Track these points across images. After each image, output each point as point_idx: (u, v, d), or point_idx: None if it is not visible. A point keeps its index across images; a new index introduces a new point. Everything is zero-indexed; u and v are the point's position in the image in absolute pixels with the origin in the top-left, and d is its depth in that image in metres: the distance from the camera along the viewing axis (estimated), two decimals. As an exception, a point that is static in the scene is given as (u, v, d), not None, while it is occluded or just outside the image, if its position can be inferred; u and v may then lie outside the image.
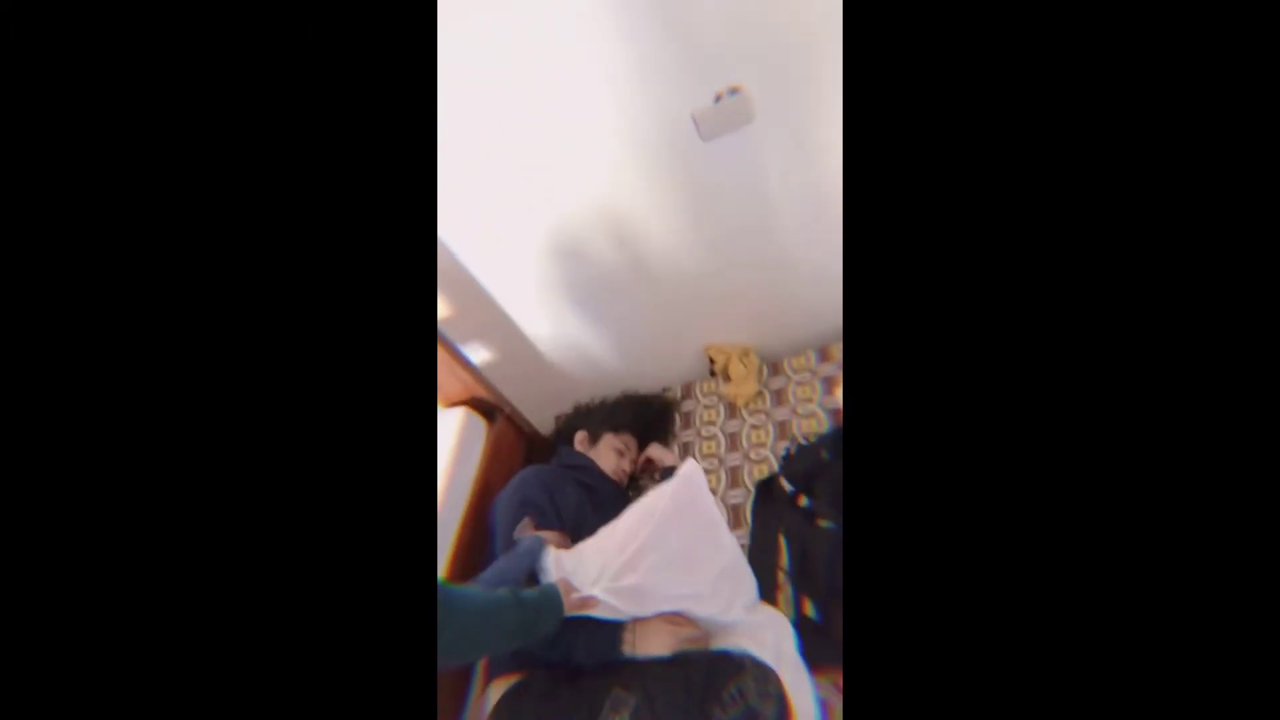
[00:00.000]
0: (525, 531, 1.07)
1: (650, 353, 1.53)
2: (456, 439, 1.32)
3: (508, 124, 1.09)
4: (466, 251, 1.31)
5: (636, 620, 0.96)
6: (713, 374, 1.49)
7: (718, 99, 1.06)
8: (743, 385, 1.40)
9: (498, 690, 1.06)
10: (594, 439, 1.36)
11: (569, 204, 1.22)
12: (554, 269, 1.34)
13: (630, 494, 1.34)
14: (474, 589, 0.79)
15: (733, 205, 1.21)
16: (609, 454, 1.32)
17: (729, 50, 1.01)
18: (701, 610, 0.97)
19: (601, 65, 1.02)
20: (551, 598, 0.86)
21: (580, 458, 1.32)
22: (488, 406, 1.44)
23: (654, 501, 0.97)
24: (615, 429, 1.36)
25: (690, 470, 0.97)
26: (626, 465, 1.34)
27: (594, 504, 1.19)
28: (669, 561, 0.93)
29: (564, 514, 1.12)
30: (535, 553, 0.98)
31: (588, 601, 0.91)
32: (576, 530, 1.10)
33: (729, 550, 0.99)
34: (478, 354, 1.50)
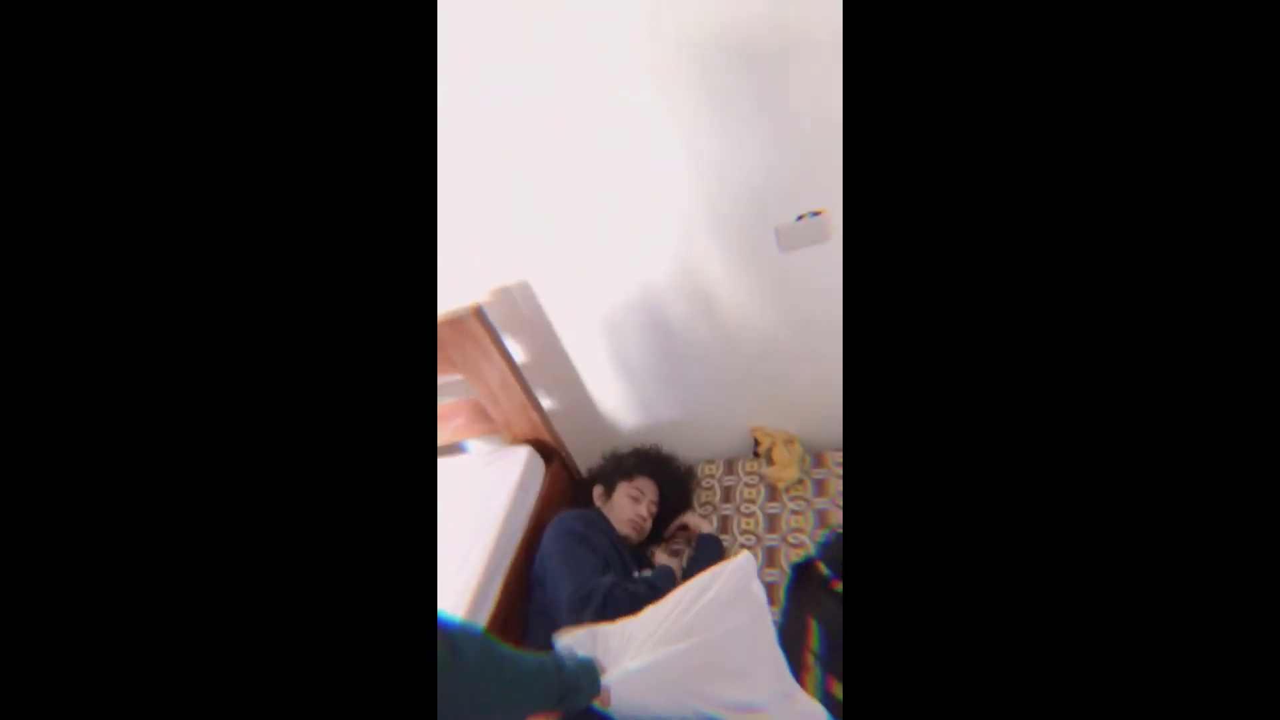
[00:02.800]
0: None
1: (698, 425, 1.64)
2: (520, 473, 1.42)
3: (607, 191, 1.25)
4: (551, 305, 1.46)
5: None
6: (756, 455, 1.59)
7: (800, 218, 1.22)
8: (785, 470, 1.50)
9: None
10: (609, 491, 1.43)
11: (645, 274, 1.37)
12: (621, 334, 1.49)
13: (647, 552, 1.41)
14: (519, 652, 0.78)
15: (798, 299, 1.34)
16: (625, 502, 1.39)
17: (818, 174, 1.15)
18: (738, 695, 0.97)
19: (697, 150, 1.16)
20: (591, 674, 0.87)
21: (597, 514, 1.39)
22: (548, 449, 1.55)
23: (704, 584, 1.03)
24: (628, 475, 1.43)
25: (745, 561, 1.04)
26: (644, 510, 1.39)
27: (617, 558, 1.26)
28: (708, 650, 0.96)
29: (596, 551, 1.21)
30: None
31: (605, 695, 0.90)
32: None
33: (769, 639, 1.03)
34: (545, 400, 1.63)
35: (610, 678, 0.92)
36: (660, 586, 1.15)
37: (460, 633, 0.70)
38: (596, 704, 0.89)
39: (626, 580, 1.17)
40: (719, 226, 1.26)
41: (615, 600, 1.10)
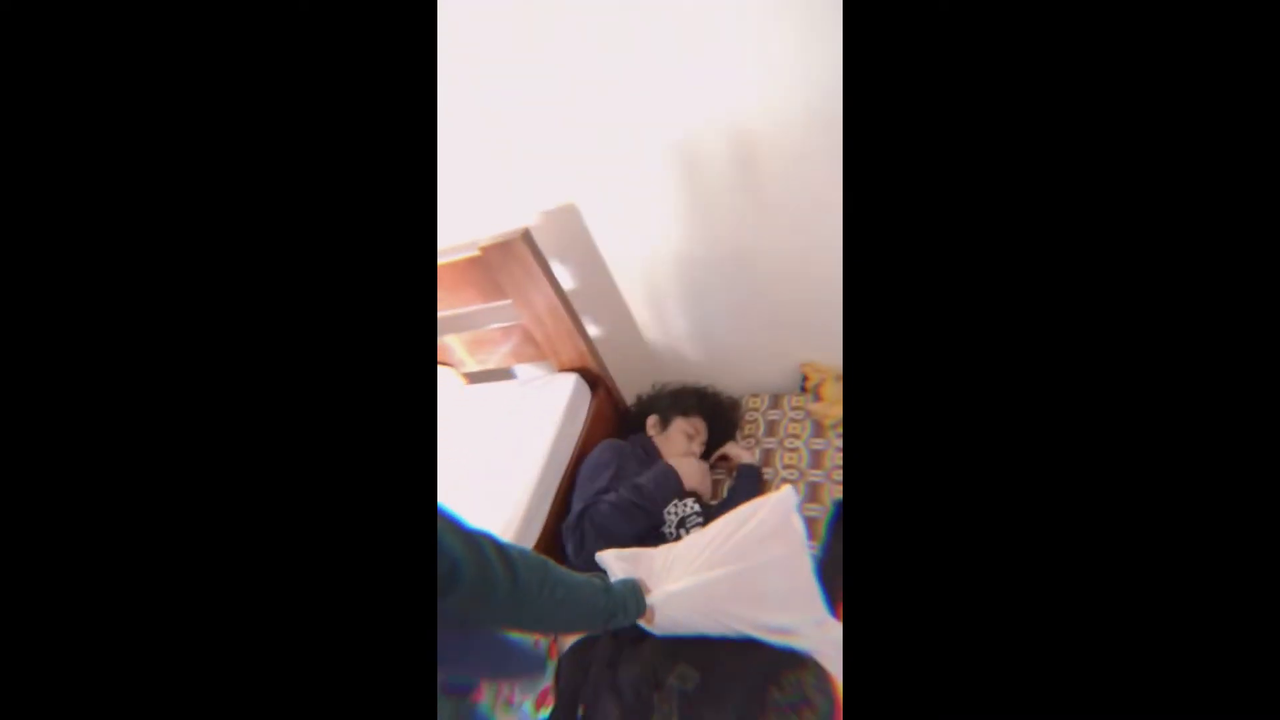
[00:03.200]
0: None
1: (745, 357, 1.62)
2: (567, 400, 1.44)
3: (660, 121, 1.19)
4: (601, 231, 1.42)
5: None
6: (803, 390, 1.57)
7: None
8: (833, 406, 1.47)
9: (564, 640, 1.17)
10: (664, 423, 1.45)
11: (696, 203, 1.31)
12: (676, 266, 1.45)
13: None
14: (571, 573, 0.81)
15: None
16: (679, 438, 1.41)
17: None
18: (772, 619, 1.00)
19: (768, 60, 1.08)
20: (637, 594, 0.90)
21: (648, 442, 1.42)
22: (594, 377, 1.56)
23: (746, 515, 1.05)
24: (685, 413, 1.46)
25: (786, 494, 1.05)
26: (696, 448, 1.42)
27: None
28: (747, 577, 0.99)
29: (620, 478, 1.25)
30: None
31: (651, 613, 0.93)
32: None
33: (806, 571, 1.04)
34: (592, 327, 1.63)
35: (654, 597, 0.95)
36: (650, 488, 1.19)
37: (519, 556, 0.71)
38: (642, 622, 0.93)
39: (615, 491, 1.20)
40: (773, 154, 1.18)
41: (594, 514, 1.15)
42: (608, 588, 0.86)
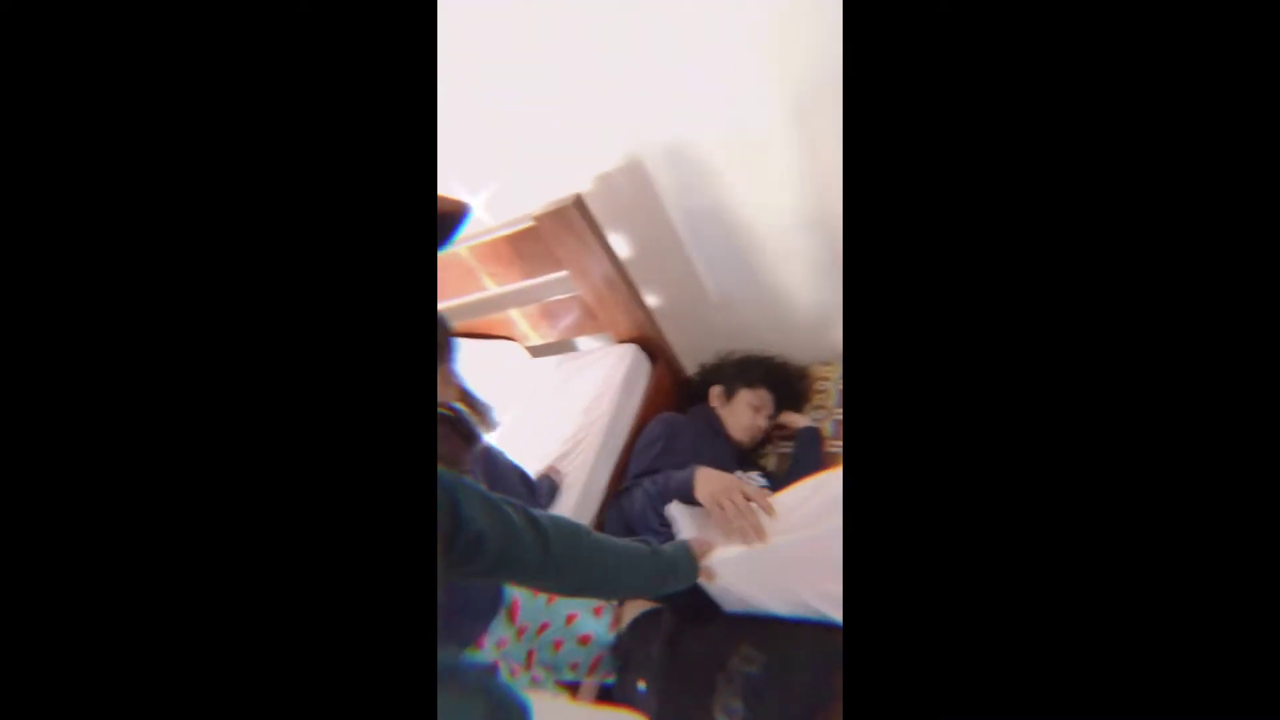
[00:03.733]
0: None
1: (817, 324, 1.52)
2: (625, 372, 1.41)
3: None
4: (663, 192, 1.35)
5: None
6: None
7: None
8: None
9: (631, 610, 1.16)
10: (729, 394, 1.38)
11: (762, 163, 1.22)
12: (745, 234, 1.36)
13: (755, 456, 1.37)
14: (613, 540, 0.80)
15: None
16: (745, 410, 1.34)
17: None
18: (830, 587, 0.95)
19: None
20: (688, 557, 0.87)
21: (711, 415, 1.36)
22: (654, 347, 1.52)
23: (815, 486, 0.99)
24: (750, 384, 1.38)
25: None
26: (763, 422, 1.35)
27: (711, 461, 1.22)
28: (812, 544, 0.94)
29: (671, 453, 1.20)
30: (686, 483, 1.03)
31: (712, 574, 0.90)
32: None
33: None
34: (653, 296, 1.57)
35: (715, 558, 0.92)
36: (670, 489, 1.08)
37: (551, 524, 0.70)
38: (702, 580, 0.90)
39: (654, 475, 1.14)
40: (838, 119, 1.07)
41: (624, 501, 1.13)
42: (655, 551, 0.83)
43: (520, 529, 0.66)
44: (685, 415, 1.37)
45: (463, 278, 1.63)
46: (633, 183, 1.35)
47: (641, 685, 1.03)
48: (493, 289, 1.64)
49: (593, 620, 1.11)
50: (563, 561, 0.70)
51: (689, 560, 0.87)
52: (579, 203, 1.27)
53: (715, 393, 1.41)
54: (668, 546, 0.87)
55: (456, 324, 1.86)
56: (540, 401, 1.52)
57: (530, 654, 1.01)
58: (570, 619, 1.10)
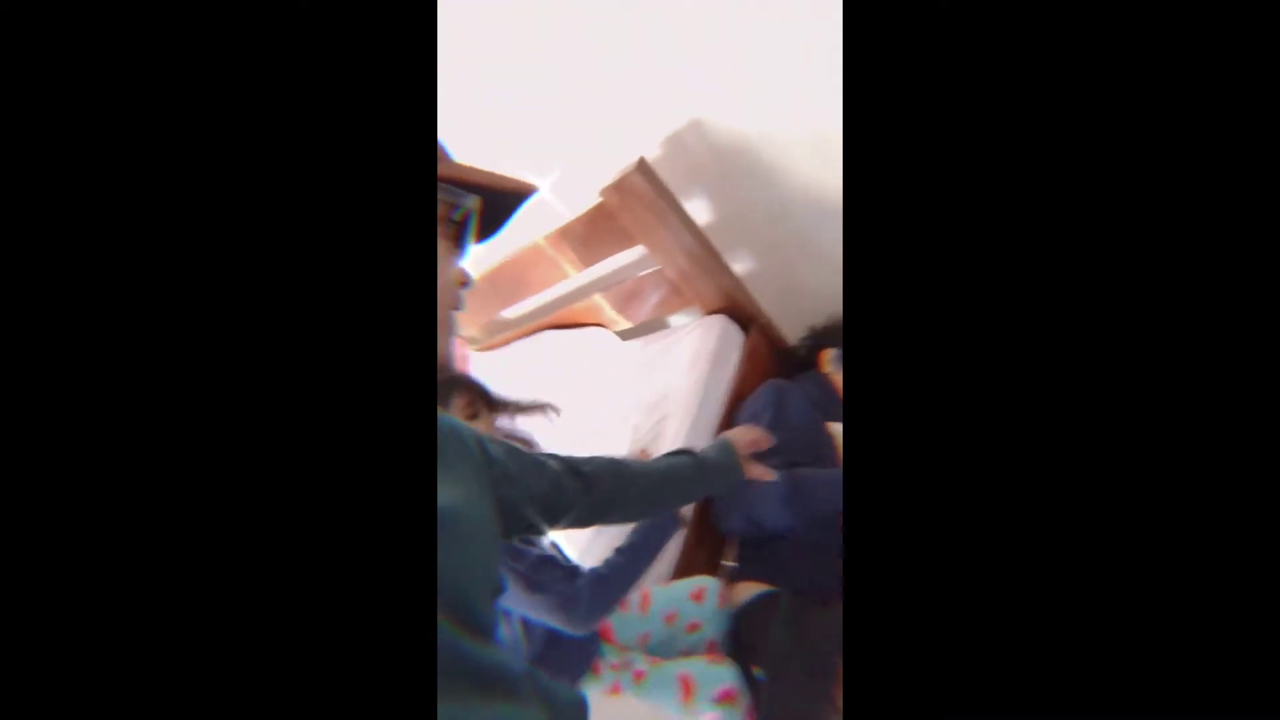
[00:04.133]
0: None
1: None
2: (714, 345, 1.30)
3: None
4: (746, 142, 1.22)
5: None
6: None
7: None
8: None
9: (744, 591, 1.07)
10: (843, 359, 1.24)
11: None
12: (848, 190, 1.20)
13: None
14: (649, 466, 0.81)
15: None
16: None
17: None
18: None
19: None
20: (727, 454, 0.84)
21: (823, 381, 1.24)
22: (745, 316, 1.39)
23: None
24: None
25: None
26: None
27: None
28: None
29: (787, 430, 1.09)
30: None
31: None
32: (802, 451, 1.09)
33: None
34: (743, 262, 1.44)
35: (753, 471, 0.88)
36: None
37: (589, 467, 0.71)
38: (755, 475, 0.87)
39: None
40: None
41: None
42: (697, 459, 0.82)
43: (561, 479, 0.66)
44: (793, 382, 1.25)
45: (546, 270, 1.60)
46: (702, 141, 1.23)
47: (758, 672, 0.95)
48: (574, 276, 1.60)
49: (694, 607, 1.05)
50: (611, 498, 0.71)
51: (732, 458, 0.85)
52: (643, 167, 1.18)
53: (829, 356, 1.28)
54: (710, 449, 0.85)
55: (546, 317, 1.85)
56: (623, 387, 1.46)
57: (641, 672, 0.98)
58: (670, 618, 1.04)
